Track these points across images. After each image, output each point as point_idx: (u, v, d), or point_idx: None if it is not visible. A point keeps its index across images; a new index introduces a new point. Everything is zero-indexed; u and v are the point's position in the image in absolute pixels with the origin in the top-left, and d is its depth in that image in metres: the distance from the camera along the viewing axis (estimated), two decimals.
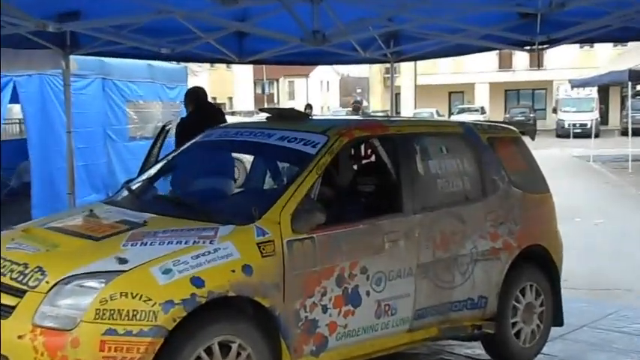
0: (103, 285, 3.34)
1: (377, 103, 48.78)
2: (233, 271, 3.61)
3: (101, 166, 11.41)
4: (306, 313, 3.93)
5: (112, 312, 3.27)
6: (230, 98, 49.31)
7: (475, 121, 6.42)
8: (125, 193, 4.79)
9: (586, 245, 9.25)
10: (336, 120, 5.69)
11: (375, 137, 4.83)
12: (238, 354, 3.63)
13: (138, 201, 4.58)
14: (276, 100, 60.72)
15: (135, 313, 3.29)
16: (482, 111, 41.44)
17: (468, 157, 5.05)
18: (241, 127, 5.13)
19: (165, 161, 5.19)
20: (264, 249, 3.76)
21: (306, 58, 8.63)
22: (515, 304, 5.11)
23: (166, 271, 3.44)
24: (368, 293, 4.23)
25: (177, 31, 6.66)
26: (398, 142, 4.72)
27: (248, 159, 5.27)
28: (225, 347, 3.58)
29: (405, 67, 44.96)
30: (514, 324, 5.10)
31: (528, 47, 7.06)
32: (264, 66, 46.51)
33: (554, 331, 5.55)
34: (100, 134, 11.62)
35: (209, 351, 3.51)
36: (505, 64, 44.98)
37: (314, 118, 5.59)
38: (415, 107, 43.61)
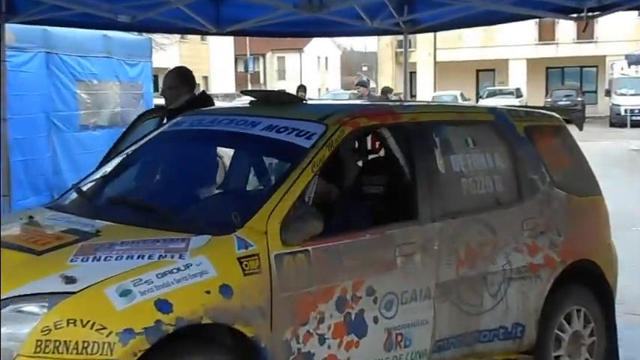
0: (45, 310, 3.36)
1: (387, 85, 48.89)
2: (208, 292, 3.63)
3: (44, 161, 11.35)
4: (298, 345, 3.97)
5: (57, 344, 3.29)
6: (205, 78, 49.50)
7: (509, 106, 6.48)
8: (74, 195, 4.82)
9: None
10: (337, 105, 5.73)
11: (385, 127, 4.86)
12: None
13: (90, 205, 4.62)
14: (262, 81, 61.03)
15: (85, 345, 3.31)
16: (518, 94, 41.69)
17: (501, 152, 5.11)
18: (219, 113, 5.17)
19: (124, 156, 5.22)
20: (246, 265, 3.80)
21: (300, 29, 8.66)
22: (559, 333, 5.19)
23: (125, 293, 3.46)
24: (376, 320, 4.29)
25: None
26: (413, 133, 4.76)
27: (228, 153, 5.27)
28: None
29: (422, 40, 45.01)
30: (557, 358, 5.18)
31: (575, 14, 7.06)
32: (247, 38, 46.71)
33: None
34: (42, 122, 11.59)
35: None
36: (546, 35, 45.23)
37: (309, 102, 5.63)
38: (435, 90, 43.85)
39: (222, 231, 3.90)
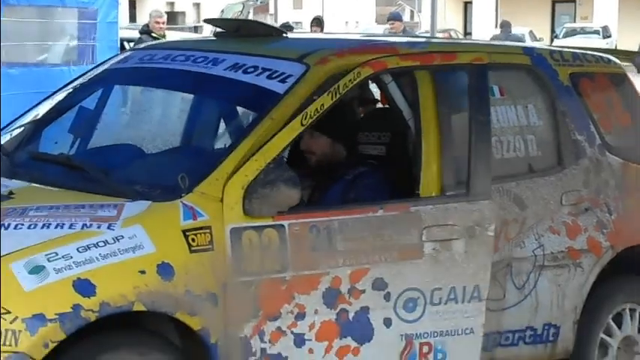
0: None
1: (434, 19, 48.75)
2: (143, 272, 3.78)
3: None
4: (263, 344, 4.12)
5: None
6: (197, 5, 49.61)
7: (558, 46, 6.54)
8: None
9: None
10: (325, 40, 5.93)
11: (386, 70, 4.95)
12: None
13: (7, 162, 4.74)
14: (271, 11, 60.73)
15: None
16: (605, 33, 41.56)
17: (537, 104, 5.21)
18: (174, 47, 5.29)
19: (56, 100, 5.36)
20: (194, 239, 3.93)
21: None
22: (606, 338, 5.31)
23: (36, 270, 3.60)
24: (388, 322, 4.43)
25: None
26: (421, 79, 4.82)
27: (183, 99, 5.41)
28: None
29: None
30: None
31: None
32: None
33: None
34: None
35: None
36: None
37: (292, 37, 5.74)
38: (496, 25, 43.62)
39: (166, 196, 4.04)
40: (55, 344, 3.54)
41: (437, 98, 4.77)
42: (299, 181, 4.19)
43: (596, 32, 41.27)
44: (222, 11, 31.66)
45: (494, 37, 26.77)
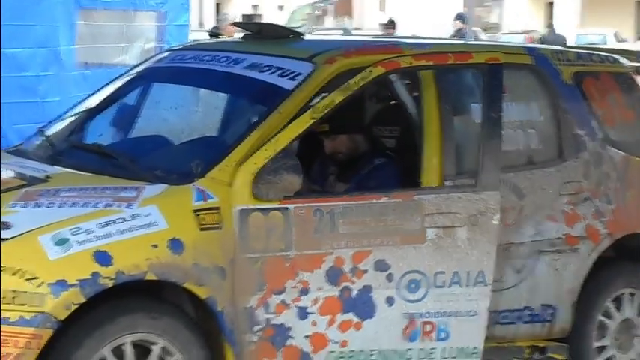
0: None
1: (517, 17, 48.32)
2: (155, 245, 4.21)
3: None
4: (268, 315, 4.50)
5: None
6: (280, 8, 49.90)
7: (572, 47, 6.75)
8: (38, 140, 5.45)
9: None
10: (336, 41, 6.32)
11: (398, 70, 5.26)
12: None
13: (51, 151, 5.21)
14: (356, 12, 60.89)
15: (15, 295, 3.91)
16: None
17: (539, 101, 5.51)
18: (203, 48, 5.75)
19: (100, 97, 5.81)
20: (204, 219, 4.35)
21: None
22: (604, 319, 5.56)
23: (61, 242, 4.06)
24: (390, 301, 4.76)
25: None
26: (424, 78, 5.14)
27: (206, 95, 5.83)
28: (142, 349, 4.22)
29: None
30: (601, 349, 5.57)
31: None
32: None
33: None
34: (48, 58, 12.36)
35: (119, 353, 4.16)
36: None
37: (307, 38, 6.15)
38: (579, 25, 43.15)
39: (180, 181, 4.46)
40: (76, 306, 3.97)
41: (441, 96, 5.07)
42: (301, 169, 4.56)
43: None
44: (292, 13, 32.02)
45: (542, 38, 26.75)
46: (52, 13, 12.37)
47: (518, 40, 27.29)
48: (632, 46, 39.81)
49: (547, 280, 5.34)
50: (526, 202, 5.27)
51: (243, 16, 37.08)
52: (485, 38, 36.92)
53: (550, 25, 28.36)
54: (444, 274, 4.87)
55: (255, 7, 48.57)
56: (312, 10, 30.36)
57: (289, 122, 4.67)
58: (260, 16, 44.40)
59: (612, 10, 44.97)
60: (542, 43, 17.60)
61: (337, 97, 4.78)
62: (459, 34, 16.34)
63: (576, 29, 42.04)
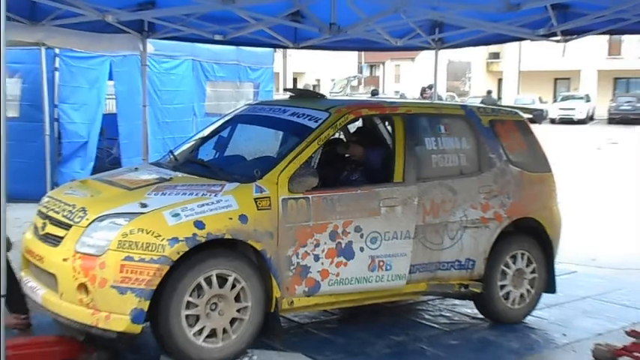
0: (126, 222, 4.20)
1: (479, 88, 48.06)
2: (230, 218, 4.38)
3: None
4: (298, 260, 4.65)
5: (131, 243, 4.12)
6: (332, 80, 49.90)
7: (489, 104, 6.83)
8: (169, 156, 5.62)
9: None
10: (344, 100, 6.29)
11: (377, 116, 5.47)
12: (233, 285, 4.43)
13: (175, 163, 5.39)
14: (380, 83, 60.97)
15: (148, 245, 4.13)
16: (587, 99, 40.30)
17: (467, 137, 5.55)
18: (267, 104, 5.92)
19: (207, 131, 5.98)
20: (260, 203, 4.51)
21: (344, 45, 9.01)
22: (505, 268, 5.61)
23: (175, 215, 4.25)
24: (362, 249, 4.87)
25: (236, 19, 7.48)
26: (398, 121, 5.29)
27: (266, 131, 5.98)
28: (222, 279, 4.39)
29: (509, 52, 44.18)
30: (503, 286, 5.62)
31: (554, 38, 7.32)
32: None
33: (556, 298, 6.04)
34: (188, 110, 12.76)
35: (209, 281, 4.34)
36: (614, 51, 43.26)
37: (327, 98, 6.28)
38: (518, 93, 42.89)
39: (247, 181, 4.61)
40: (182, 252, 4.16)
41: (406, 132, 5.23)
42: (317, 173, 4.69)
43: (581, 98, 39.99)
44: (333, 80, 32.00)
45: (483, 99, 26.23)
46: (191, 84, 12.82)
47: (477, 101, 27.08)
48: (550, 105, 39.70)
49: (470, 244, 5.39)
50: (458, 197, 5.33)
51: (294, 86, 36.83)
52: (458, 100, 36.81)
53: (489, 92, 28.78)
54: (389, 233, 4.99)
55: (318, 80, 48.59)
56: (348, 81, 30.42)
57: (307, 146, 4.83)
58: (318, 85, 44.48)
59: (538, 83, 44.69)
60: (482, 103, 17.64)
61: (330, 131, 4.95)
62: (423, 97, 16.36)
63: (516, 95, 41.84)
